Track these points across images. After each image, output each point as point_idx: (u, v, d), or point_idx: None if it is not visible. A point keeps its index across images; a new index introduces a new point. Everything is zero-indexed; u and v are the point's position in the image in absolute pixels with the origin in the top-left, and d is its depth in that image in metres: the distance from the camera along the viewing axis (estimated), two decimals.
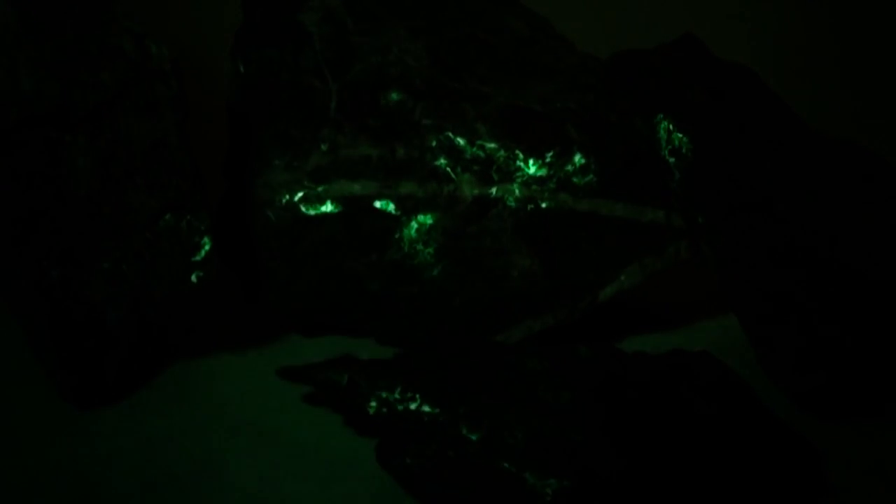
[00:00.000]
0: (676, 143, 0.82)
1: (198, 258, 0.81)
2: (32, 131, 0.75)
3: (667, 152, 0.82)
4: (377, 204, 0.83)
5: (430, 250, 0.83)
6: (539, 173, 0.83)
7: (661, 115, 0.82)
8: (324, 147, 0.83)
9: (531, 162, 0.83)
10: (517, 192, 0.82)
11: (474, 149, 0.83)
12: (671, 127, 0.82)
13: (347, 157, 0.83)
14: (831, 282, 0.79)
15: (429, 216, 0.83)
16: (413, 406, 0.76)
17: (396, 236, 0.83)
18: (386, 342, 0.85)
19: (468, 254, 0.83)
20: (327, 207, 0.83)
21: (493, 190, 0.83)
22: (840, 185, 0.82)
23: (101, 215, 0.78)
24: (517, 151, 0.83)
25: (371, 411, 0.77)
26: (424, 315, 0.83)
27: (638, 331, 0.87)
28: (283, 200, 0.83)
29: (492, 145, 0.83)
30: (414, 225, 0.83)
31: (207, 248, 0.81)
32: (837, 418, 0.81)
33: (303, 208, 0.83)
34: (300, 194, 0.83)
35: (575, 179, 0.83)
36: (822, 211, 0.80)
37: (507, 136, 0.83)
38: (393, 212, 0.83)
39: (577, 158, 0.83)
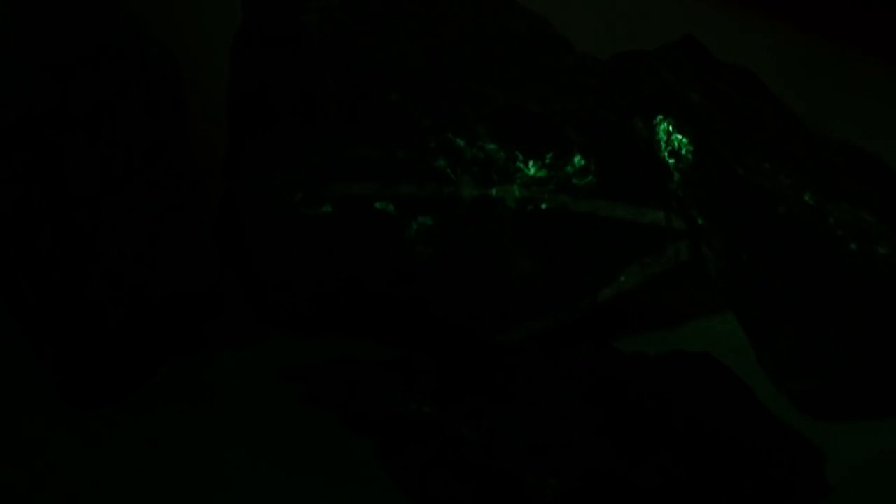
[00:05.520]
0: (676, 144, 0.82)
1: (198, 259, 0.81)
2: (32, 131, 0.75)
3: (666, 153, 0.82)
4: (377, 204, 0.83)
5: (430, 251, 0.83)
6: (539, 174, 0.83)
7: (661, 117, 0.82)
8: (324, 148, 0.83)
9: (531, 163, 0.83)
10: (517, 193, 0.82)
11: (474, 150, 0.83)
12: (671, 128, 0.82)
13: (347, 158, 0.83)
14: (831, 282, 0.79)
15: (429, 217, 0.83)
16: (413, 406, 0.76)
17: (396, 237, 0.83)
18: (386, 342, 0.85)
19: (468, 255, 0.83)
20: (327, 208, 0.83)
21: (493, 191, 0.83)
22: (839, 186, 0.82)
23: (101, 215, 0.78)
24: (517, 153, 0.83)
25: (371, 412, 0.77)
26: (424, 315, 0.83)
27: (638, 331, 0.87)
28: (283, 201, 0.83)
29: (491, 146, 0.83)
30: (414, 226, 0.83)
31: (208, 248, 0.81)
32: (837, 418, 0.81)
33: (302, 209, 0.83)
34: (300, 195, 0.83)
35: (574, 180, 0.83)
36: (821, 211, 0.80)
37: (507, 137, 0.83)
38: (393, 212, 0.83)
39: (577, 159, 0.83)
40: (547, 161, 0.83)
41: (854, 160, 0.84)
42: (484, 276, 0.83)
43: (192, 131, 0.81)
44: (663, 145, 0.82)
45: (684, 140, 0.82)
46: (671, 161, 0.82)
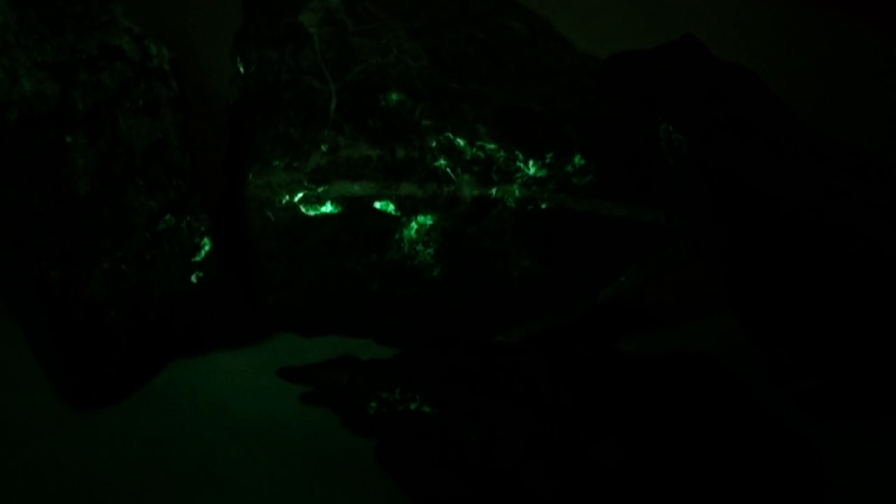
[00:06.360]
0: (676, 143, 0.82)
1: (198, 259, 0.81)
2: (32, 131, 0.75)
3: (666, 153, 0.82)
4: (377, 204, 0.83)
5: (430, 251, 0.83)
6: (539, 174, 0.83)
7: (661, 116, 0.82)
8: (324, 148, 0.83)
9: (531, 163, 0.83)
10: (517, 192, 0.82)
11: (474, 149, 0.83)
12: (671, 128, 0.82)
13: (347, 158, 0.83)
14: (832, 282, 0.79)
15: (429, 217, 0.83)
16: (413, 406, 0.76)
17: (396, 237, 0.83)
18: (386, 342, 0.85)
19: (468, 254, 0.83)
20: (327, 208, 0.83)
21: (493, 190, 0.83)
22: (840, 185, 0.82)
23: (101, 215, 0.78)
24: (517, 152, 0.83)
25: (371, 412, 0.77)
26: (424, 315, 0.83)
27: (638, 331, 0.87)
28: (283, 201, 0.83)
29: (492, 146, 0.83)
30: (414, 225, 0.83)
31: (207, 248, 0.81)
32: (837, 418, 0.81)
33: (303, 209, 0.83)
34: (300, 195, 0.83)
35: (575, 180, 0.83)
36: (822, 211, 0.80)
37: (507, 136, 0.83)
38: (393, 212, 0.83)
39: (577, 159, 0.83)
40: (547, 161, 0.83)
41: (854, 160, 0.84)
42: (484, 275, 0.83)
43: (192, 131, 0.81)
44: (663, 145, 0.82)
45: (684, 140, 0.82)
46: (671, 160, 0.82)
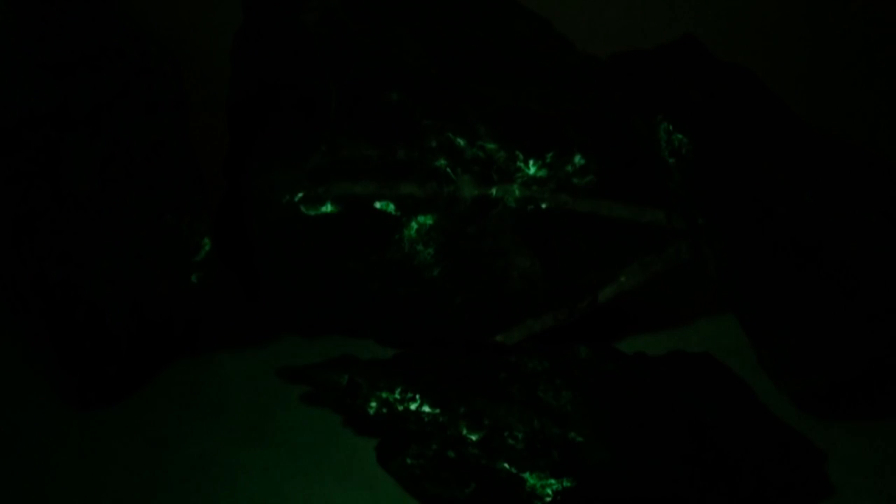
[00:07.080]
0: (676, 143, 0.82)
1: (198, 258, 0.81)
2: (32, 131, 0.75)
3: (666, 153, 0.82)
4: (377, 204, 0.83)
5: (430, 250, 0.83)
6: (539, 174, 0.83)
7: (661, 116, 0.82)
8: (324, 147, 0.83)
9: (531, 162, 0.83)
10: (517, 192, 0.82)
11: (474, 149, 0.83)
12: (671, 127, 0.82)
13: (347, 158, 0.83)
14: (831, 281, 0.79)
15: (429, 216, 0.83)
16: (413, 406, 0.76)
17: (396, 237, 0.83)
18: (386, 342, 0.85)
19: (468, 254, 0.83)
20: (327, 208, 0.83)
21: (493, 190, 0.83)
22: (839, 185, 0.82)
23: (101, 215, 0.78)
24: (517, 152, 0.83)
25: (371, 412, 0.77)
26: (424, 315, 0.83)
27: (638, 331, 0.87)
28: (284, 201, 0.83)
29: (492, 146, 0.83)
30: (414, 225, 0.83)
31: (207, 248, 0.81)
32: (837, 418, 0.81)
33: (303, 209, 0.83)
34: (300, 195, 0.83)
35: (575, 180, 0.83)
36: (822, 211, 0.80)
37: (507, 136, 0.83)
38: (393, 212, 0.83)
39: (577, 159, 0.83)
40: (547, 160, 0.83)
41: (854, 160, 0.84)
42: (484, 275, 0.83)
43: (192, 131, 0.81)
44: (663, 145, 0.82)
45: (684, 140, 0.82)
46: (671, 160, 0.82)
